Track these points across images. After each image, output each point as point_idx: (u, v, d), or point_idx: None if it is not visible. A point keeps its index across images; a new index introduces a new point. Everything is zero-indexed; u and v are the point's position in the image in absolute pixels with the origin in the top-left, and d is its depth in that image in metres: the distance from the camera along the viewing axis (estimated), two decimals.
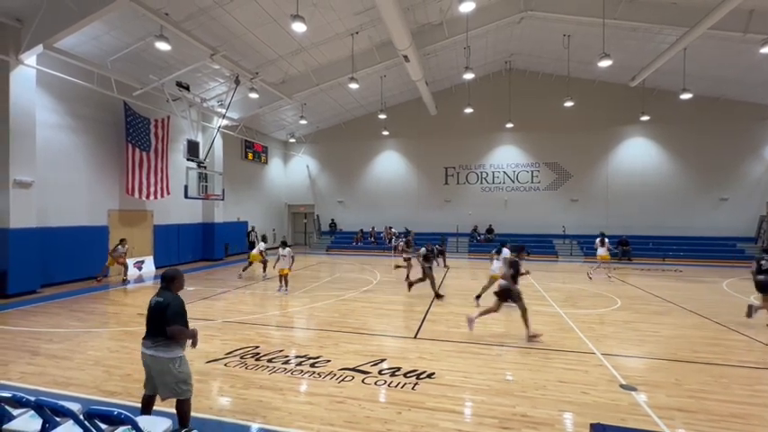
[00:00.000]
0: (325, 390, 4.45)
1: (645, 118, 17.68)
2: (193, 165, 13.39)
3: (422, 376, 4.83)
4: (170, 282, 3.47)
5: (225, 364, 5.20)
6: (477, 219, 21.27)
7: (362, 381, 4.70)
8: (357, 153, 23.18)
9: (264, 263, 12.68)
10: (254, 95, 14.33)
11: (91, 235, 12.03)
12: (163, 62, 12.47)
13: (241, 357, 5.43)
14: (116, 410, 2.44)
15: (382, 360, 5.36)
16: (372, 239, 21.89)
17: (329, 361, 5.31)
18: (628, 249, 17.58)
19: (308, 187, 24.39)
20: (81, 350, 5.79)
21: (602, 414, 3.88)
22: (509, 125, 19.24)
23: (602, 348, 5.92)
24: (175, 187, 14.41)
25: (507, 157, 21.16)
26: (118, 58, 11.39)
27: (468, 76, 13.17)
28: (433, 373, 4.91)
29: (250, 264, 12.86)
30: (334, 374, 4.87)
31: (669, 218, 18.84)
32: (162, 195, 14.12)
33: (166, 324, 3.24)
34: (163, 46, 9.86)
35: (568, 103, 15.91)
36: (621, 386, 4.60)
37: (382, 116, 18.59)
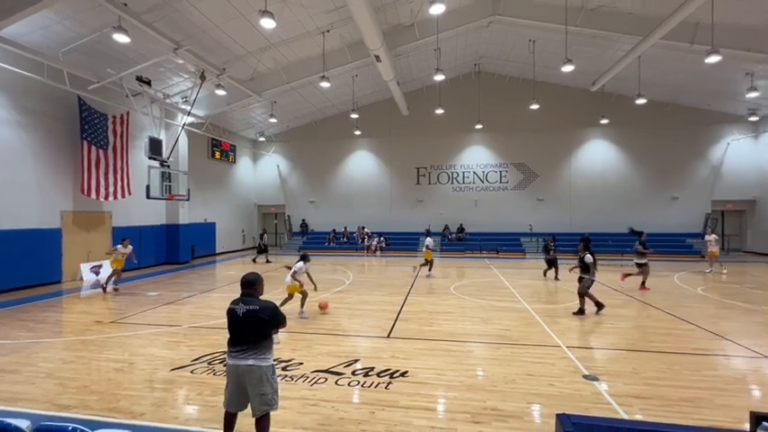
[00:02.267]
0: (297, 393, 4.38)
1: (604, 121, 18.65)
2: (156, 164, 12.79)
3: (395, 375, 4.85)
4: (252, 286, 3.30)
5: (191, 371, 5.00)
6: (449, 218, 21.64)
7: (336, 382, 4.66)
8: (329, 152, 22.98)
9: (304, 295, 7.96)
10: (221, 92, 13.88)
11: (41, 238, 11.21)
12: (121, 55, 11.82)
13: (209, 363, 5.24)
14: (71, 425, 2.29)
15: (356, 360, 5.34)
16: (345, 240, 21.78)
17: (302, 363, 5.23)
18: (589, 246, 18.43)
19: (278, 187, 23.91)
20: (31, 362, 5.39)
21: (567, 404, 4.06)
22: (478, 126, 19.70)
23: (566, 341, 6.18)
24: (137, 187, 13.70)
25: (477, 158, 21.66)
26: (71, 49, 10.68)
27: (439, 77, 13.38)
28: (407, 372, 4.95)
29: (289, 297, 7.96)
30: (307, 377, 4.80)
31: (627, 216, 19.94)
32: (122, 196, 13.40)
33: (274, 327, 3.21)
34: (121, 38, 9.35)
35: (534, 106, 16.49)
36: (585, 377, 4.82)
37: (354, 116, 18.55)
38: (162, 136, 14.03)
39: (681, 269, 14.18)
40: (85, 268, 12.58)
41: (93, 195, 12.36)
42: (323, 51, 13.98)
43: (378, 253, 20.07)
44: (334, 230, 22.15)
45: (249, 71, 14.77)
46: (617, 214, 20.04)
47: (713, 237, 13.56)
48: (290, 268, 7.90)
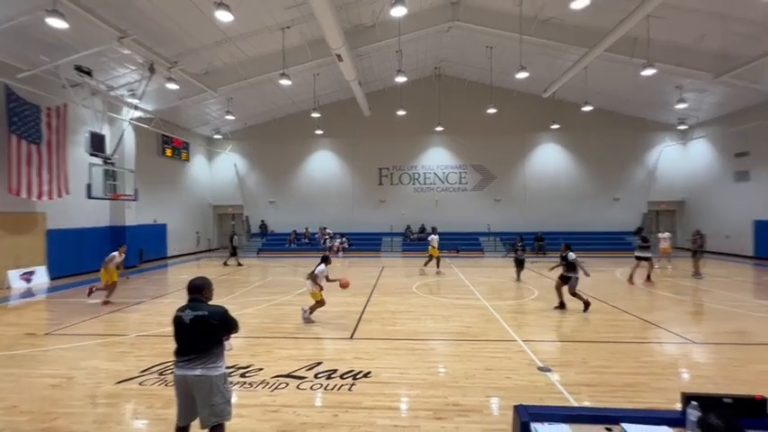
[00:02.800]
0: (257, 400, 4.23)
1: (555, 126, 19.78)
2: (98, 161, 11.85)
3: (358, 376, 4.83)
4: (200, 291, 3.07)
5: (140, 383, 4.67)
6: (411, 218, 21.92)
7: (298, 386, 4.56)
8: (289, 152, 22.46)
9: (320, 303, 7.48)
10: (172, 86, 13.09)
11: None
12: (58, 41, 10.79)
13: (160, 374, 4.92)
14: None
15: (318, 363, 5.25)
16: (306, 240, 21.39)
17: (261, 369, 5.06)
18: (543, 244, 19.49)
19: (235, 187, 23.00)
20: None
21: (523, 396, 4.25)
22: (439, 128, 20.12)
23: (522, 335, 6.47)
24: (76, 186, 12.59)
25: (438, 159, 22.14)
26: None
27: (401, 79, 13.50)
28: (370, 373, 4.94)
29: (318, 304, 7.47)
30: (267, 383, 4.65)
31: (575, 216, 21.25)
32: (58, 195, 12.25)
33: (225, 333, 3.01)
34: (57, 23, 8.53)
35: (491, 110, 17.14)
36: (539, 368, 5.07)
37: (316, 115, 18.26)
38: (105, 131, 13.04)
39: (622, 264, 15.33)
40: (14, 276, 11.37)
41: (24, 194, 11.20)
42: (282, 48, 13.64)
43: (340, 254, 19.91)
44: (295, 231, 21.68)
45: (204, 65, 14.09)
46: (567, 214, 21.30)
47: (666, 234, 14.84)
48: (315, 276, 7.20)
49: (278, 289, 10.81)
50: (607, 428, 2.55)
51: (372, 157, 22.18)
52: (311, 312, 7.42)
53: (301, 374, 4.89)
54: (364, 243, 21.28)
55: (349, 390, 4.47)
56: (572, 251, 8.03)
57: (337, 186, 22.44)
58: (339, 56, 12.53)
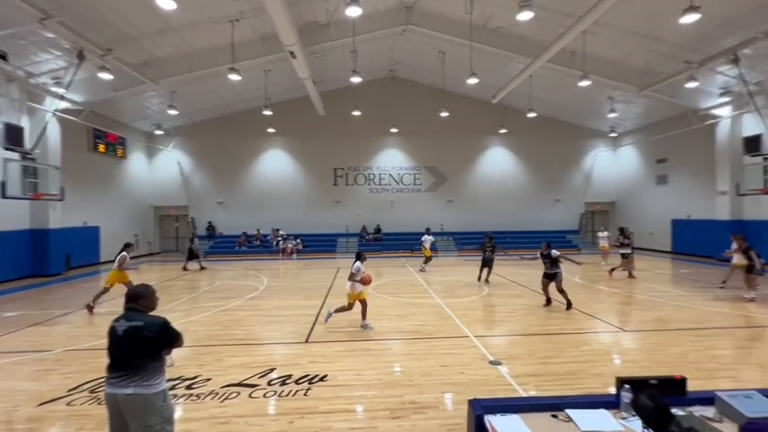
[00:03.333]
0: (205, 412, 3.98)
1: (503, 131, 20.83)
2: (15, 156, 10.55)
3: (314, 381, 4.72)
4: (138, 299, 2.72)
5: (68, 404, 4.20)
6: (366, 219, 21.94)
7: (250, 395, 4.36)
8: (240, 150, 21.52)
9: (364, 304, 7.04)
10: (105, 76, 11.96)
11: None
12: None
13: (91, 392, 4.47)
14: None
15: (272, 370, 5.07)
16: (258, 242, 20.62)
17: (209, 379, 4.77)
18: (492, 244, 20.39)
19: (180, 186, 21.58)
20: None
21: (476, 389, 4.40)
22: (394, 130, 20.37)
23: (474, 331, 6.71)
24: None
25: (392, 160, 22.38)
26: None
27: (356, 79, 13.48)
28: (326, 376, 4.86)
29: (349, 307, 7.03)
30: (217, 393, 4.40)
31: (521, 215, 22.52)
32: None
33: (165, 347, 2.67)
34: None
35: (444, 114, 17.65)
36: (490, 362, 5.28)
37: (268, 112, 17.65)
38: (24, 122, 11.66)
39: (564, 262, 16.47)
40: None
41: None
42: (232, 41, 13.03)
43: (294, 256, 19.44)
44: (245, 233, 20.81)
45: (143, 55, 13.07)
46: (514, 214, 22.50)
47: (605, 233, 16.09)
48: (353, 275, 6.73)
49: (227, 294, 10.29)
50: (553, 415, 2.70)
51: (327, 157, 21.91)
52: (335, 311, 6.97)
53: (253, 382, 4.68)
54: (319, 244, 20.95)
55: (305, 395, 4.36)
56: (553, 248, 8.30)
57: (291, 186, 21.87)
58: (292, 53, 12.23)
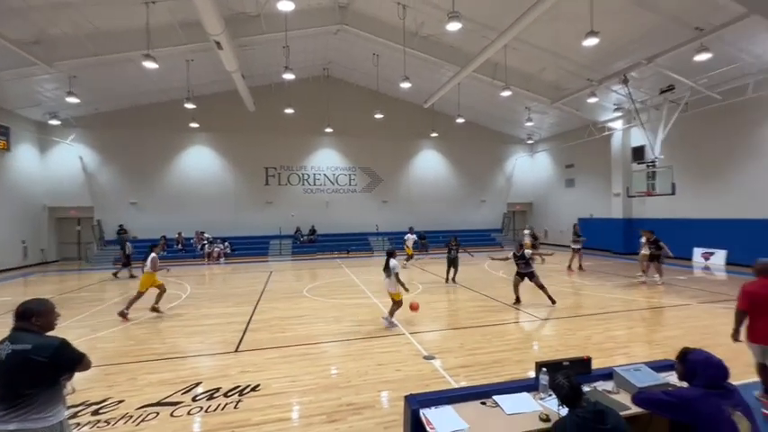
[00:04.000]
0: None
1: (434, 134, 21.72)
2: None
3: (245, 392, 4.47)
4: (28, 317, 2.24)
5: None
6: (300, 220, 21.37)
7: (171, 414, 3.98)
8: (157, 145, 19.57)
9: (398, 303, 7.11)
10: None
11: None
12: None
13: None
14: None
15: (197, 384, 4.68)
16: (180, 247, 18.95)
17: (122, 401, 4.26)
18: (425, 243, 21.16)
19: (82, 184, 18.94)
20: None
21: (412, 385, 4.52)
22: (328, 129, 20.12)
23: (409, 328, 6.90)
24: None
25: (327, 160, 22.10)
26: None
27: (288, 76, 13.05)
28: (258, 386, 4.62)
29: (397, 305, 7.10)
30: (130, 416, 3.94)
31: (451, 215, 23.72)
32: None
33: (63, 372, 2.27)
34: None
35: (378, 116, 17.91)
36: (425, 357, 5.47)
37: (190, 105, 16.26)
38: None
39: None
40: None
41: None
42: (147, 25, 11.79)
43: (221, 260, 18.22)
44: (164, 237, 18.95)
45: (33, 31, 11.26)
46: (445, 214, 23.62)
47: (528, 231, 17.55)
48: (396, 274, 6.89)
49: (142, 304, 9.27)
50: (482, 402, 2.88)
51: (258, 155, 20.90)
52: (392, 315, 7.06)
53: (176, 400, 4.28)
54: (250, 247, 19.92)
55: (235, 408, 4.10)
56: (524, 249, 8.64)
57: (217, 186, 20.46)
58: (218, 43, 11.46)
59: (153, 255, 8.28)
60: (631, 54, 13.04)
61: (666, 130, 13.23)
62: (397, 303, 7.03)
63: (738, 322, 4.14)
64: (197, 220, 19.74)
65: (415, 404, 2.80)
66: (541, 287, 8.41)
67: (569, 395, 2.35)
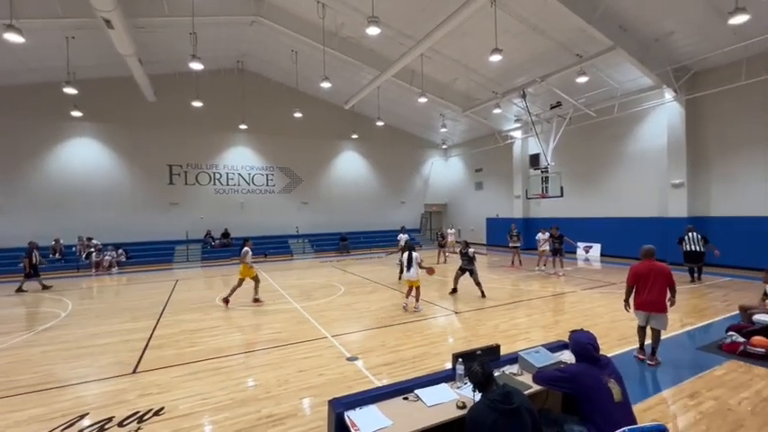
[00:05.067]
0: None
1: (355, 136, 21.87)
2: None
3: (146, 417, 3.95)
4: None
5: None
6: (211, 223, 19.71)
7: None
8: (26, 136, 16.33)
9: (418, 291, 8.48)
10: None
11: None
12: None
13: None
14: None
15: (82, 416, 4.00)
16: (58, 256, 16.04)
17: None
18: (346, 244, 21.18)
19: None
20: None
21: (335, 388, 4.46)
22: (243, 126, 18.94)
23: (332, 331, 6.81)
24: None
25: (242, 159, 20.77)
26: None
27: (196, 65, 11.95)
28: (162, 409, 4.12)
29: (418, 290, 8.45)
30: None
31: (372, 216, 24.12)
32: None
33: None
34: None
35: (297, 114, 17.40)
36: (347, 359, 5.45)
37: (71, 90, 13.87)
38: None
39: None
40: None
41: None
42: None
43: (114, 270, 15.92)
44: (32, 244, 15.84)
45: None
46: (366, 215, 23.91)
47: (453, 230, 18.68)
48: (419, 263, 8.21)
49: (6, 328, 7.64)
50: (404, 398, 2.96)
51: (160, 151, 18.75)
52: (418, 300, 8.31)
53: None
54: (151, 254, 17.76)
55: None
56: (471, 247, 9.49)
57: (109, 185, 17.83)
58: (108, 21, 10.00)
59: (245, 249, 9.17)
60: (528, 72, 14.73)
61: (556, 141, 15.20)
62: (418, 288, 8.31)
63: (628, 294, 5.27)
64: (81, 224, 16.95)
65: (340, 407, 2.77)
66: (477, 284, 9.33)
67: (482, 381, 2.55)
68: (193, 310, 8.75)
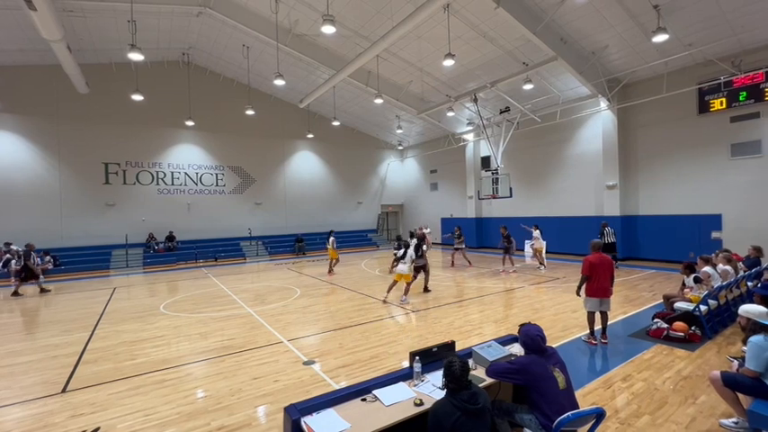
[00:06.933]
0: None
1: (310, 135, 21.49)
2: None
3: None
4: None
5: None
6: (154, 225, 18.41)
7: None
8: None
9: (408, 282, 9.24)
10: None
11: None
12: None
13: None
14: None
15: None
16: None
17: None
18: (302, 245, 20.73)
19: None
20: None
21: (292, 394, 4.34)
22: (190, 123, 17.89)
23: (287, 335, 6.63)
24: None
25: (189, 158, 19.59)
26: None
27: (136, 56, 11.08)
28: (98, 429, 3.77)
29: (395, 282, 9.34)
30: None
31: (330, 217, 23.82)
32: None
33: None
34: None
35: (250, 112, 16.76)
36: (304, 363, 5.33)
37: None
38: None
39: (366, 257, 18.40)
40: None
41: None
42: None
43: (41, 279, 14.28)
44: None
45: None
46: (323, 216, 23.57)
47: (428, 230, 18.80)
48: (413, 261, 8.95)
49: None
50: (362, 399, 2.95)
51: (95, 148, 17.16)
52: (406, 293, 8.89)
53: None
54: (84, 260, 16.21)
55: None
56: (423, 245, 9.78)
57: (32, 185, 16.02)
58: (29, 1, 8.98)
59: (332, 238, 12.02)
60: (479, 78, 15.34)
61: (505, 144, 15.97)
62: (409, 283, 8.90)
63: (582, 283, 5.78)
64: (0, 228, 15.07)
65: (296, 414, 2.69)
66: (426, 274, 9.94)
67: (458, 375, 2.55)
68: (134, 319, 8.11)
